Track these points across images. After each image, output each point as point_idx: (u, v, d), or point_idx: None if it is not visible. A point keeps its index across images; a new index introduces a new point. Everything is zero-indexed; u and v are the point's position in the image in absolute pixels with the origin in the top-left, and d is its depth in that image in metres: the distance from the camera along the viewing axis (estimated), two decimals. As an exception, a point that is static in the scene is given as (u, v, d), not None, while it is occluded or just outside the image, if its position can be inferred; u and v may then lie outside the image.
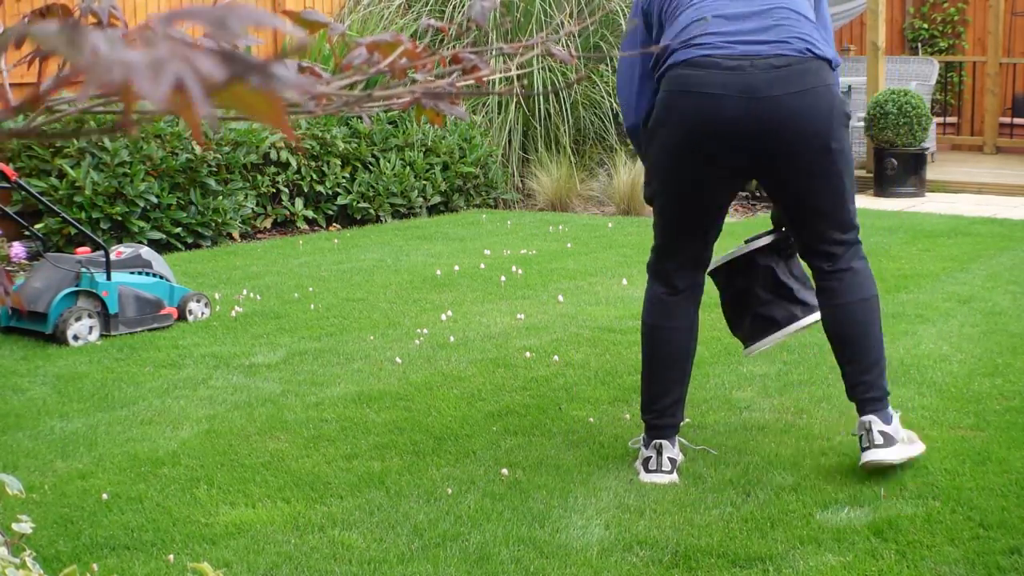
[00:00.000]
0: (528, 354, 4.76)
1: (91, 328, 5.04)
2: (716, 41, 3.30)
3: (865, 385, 3.39)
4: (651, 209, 3.58)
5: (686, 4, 3.41)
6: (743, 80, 3.27)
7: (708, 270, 3.63)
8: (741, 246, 3.72)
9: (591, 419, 3.93)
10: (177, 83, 0.71)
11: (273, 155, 8.08)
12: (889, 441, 3.32)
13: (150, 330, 5.22)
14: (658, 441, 3.45)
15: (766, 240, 3.68)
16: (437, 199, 8.93)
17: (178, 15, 0.79)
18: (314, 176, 8.30)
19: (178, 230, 7.31)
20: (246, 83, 0.75)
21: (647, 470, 3.43)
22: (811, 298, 3.60)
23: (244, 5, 0.80)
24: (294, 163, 8.13)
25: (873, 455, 3.31)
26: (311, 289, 6.08)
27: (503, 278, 6.27)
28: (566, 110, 9.73)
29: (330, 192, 8.38)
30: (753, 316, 3.67)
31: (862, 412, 3.39)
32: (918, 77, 11.25)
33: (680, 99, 3.31)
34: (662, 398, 3.50)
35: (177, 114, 0.73)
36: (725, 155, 3.34)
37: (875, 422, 3.34)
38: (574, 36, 9.72)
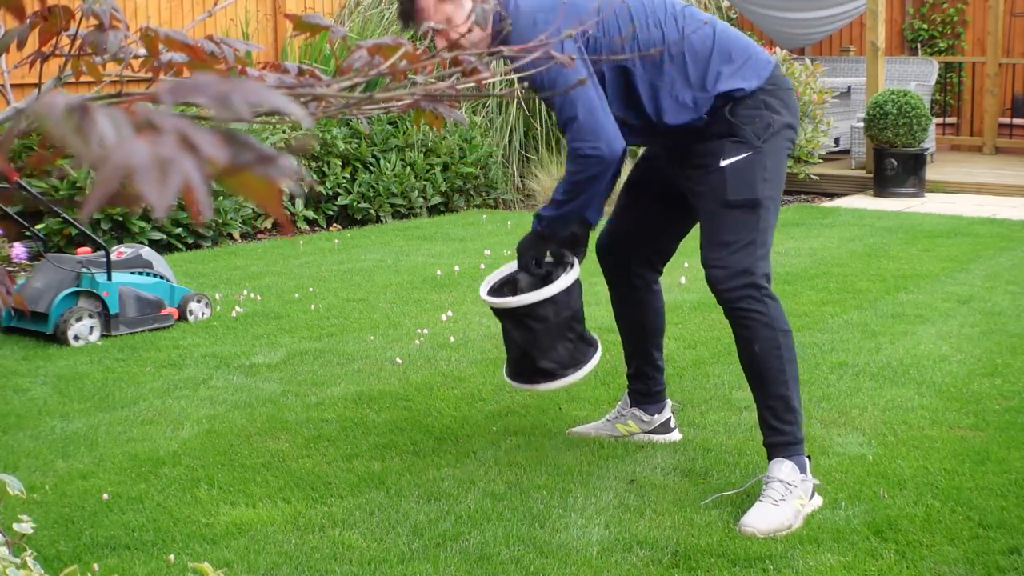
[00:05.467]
0: (528, 354, 4.77)
1: (92, 328, 5.05)
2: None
3: None
4: None
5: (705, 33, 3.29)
6: None
7: (496, 305, 3.43)
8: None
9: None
10: (183, 185, 0.72)
11: (273, 155, 8.08)
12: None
13: (151, 330, 5.22)
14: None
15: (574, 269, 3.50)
16: (437, 199, 8.94)
17: (184, 89, 0.80)
18: (314, 176, 8.30)
19: (179, 230, 7.31)
20: (248, 169, 0.76)
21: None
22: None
23: (247, 82, 0.80)
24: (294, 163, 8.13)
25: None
26: (311, 289, 6.09)
27: (503, 278, 6.27)
28: (566, 110, 9.72)
29: (330, 192, 8.38)
30: (580, 338, 3.45)
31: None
32: (917, 78, 11.25)
33: (791, 95, 3.34)
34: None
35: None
36: None
37: None
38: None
